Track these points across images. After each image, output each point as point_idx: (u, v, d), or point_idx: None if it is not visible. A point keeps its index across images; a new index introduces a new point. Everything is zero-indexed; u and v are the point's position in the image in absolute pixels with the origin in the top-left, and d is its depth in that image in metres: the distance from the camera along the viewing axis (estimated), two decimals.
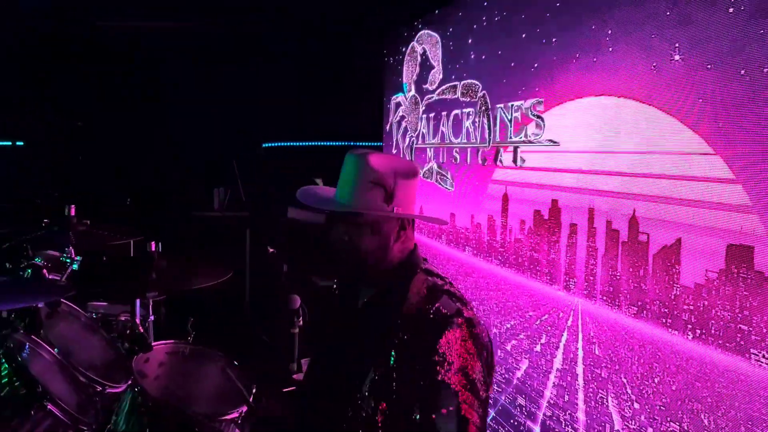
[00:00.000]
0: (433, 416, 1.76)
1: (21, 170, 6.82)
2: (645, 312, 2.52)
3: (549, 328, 3.13)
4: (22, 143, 6.90)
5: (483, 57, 3.78)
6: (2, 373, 1.77)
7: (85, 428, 1.78)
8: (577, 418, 2.91)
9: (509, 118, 3.44)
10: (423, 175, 4.50)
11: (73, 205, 2.95)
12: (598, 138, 2.82)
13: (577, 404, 2.91)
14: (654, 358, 2.47)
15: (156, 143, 7.15)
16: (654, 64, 2.47)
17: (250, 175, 7.31)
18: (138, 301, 3.77)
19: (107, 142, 6.99)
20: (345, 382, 1.98)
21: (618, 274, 2.67)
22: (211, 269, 3.09)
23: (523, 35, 3.36)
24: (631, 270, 2.60)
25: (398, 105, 5.04)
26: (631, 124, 2.62)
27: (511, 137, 3.43)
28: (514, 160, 3.40)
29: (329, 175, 6.65)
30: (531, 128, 3.26)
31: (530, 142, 3.27)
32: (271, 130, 7.73)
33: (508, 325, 3.48)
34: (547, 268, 3.15)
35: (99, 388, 2.13)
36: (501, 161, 3.54)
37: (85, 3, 6.00)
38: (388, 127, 5.29)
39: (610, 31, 2.72)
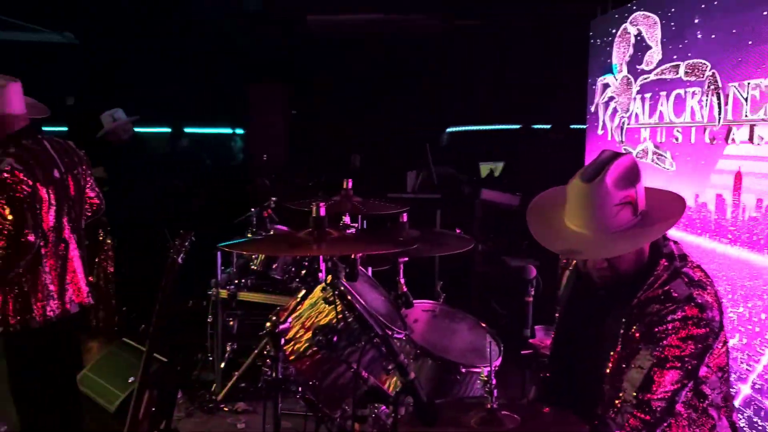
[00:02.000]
0: (648, 396, 1.90)
1: (245, 155, 7.61)
2: None
3: None
4: (242, 131, 7.66)
5: (712, 36, 3.78)
6: (337, 310, 2.14)
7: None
8: None
9: (745, 96, 3.44)
10: (636, 155, 4.55)
11: (350, 179, 3.35)
12: None
13: None
14: None
15: (355, 131, 7.66)
16: None
17: (442, 157, 7.64)
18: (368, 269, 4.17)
19: (317, 129, 7.61)
20: (591, 365, 2.15)
21: None
22: (454, 240, 3.39)
23: (765, 12, 3.33)
24: None
25: (606, 86, 5.10)
26: None
27: (747, 115, 3.43)
28: (751, 138, 3.40)
29: (515, 159, 6.78)
30: None
31: None
32: (462, 114, 8.01)
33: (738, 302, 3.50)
34: None
35: (390, 333, 2.46)
36: (733, 140, 3.54)
37: None
38: (593, 108, 5.36)
39: None
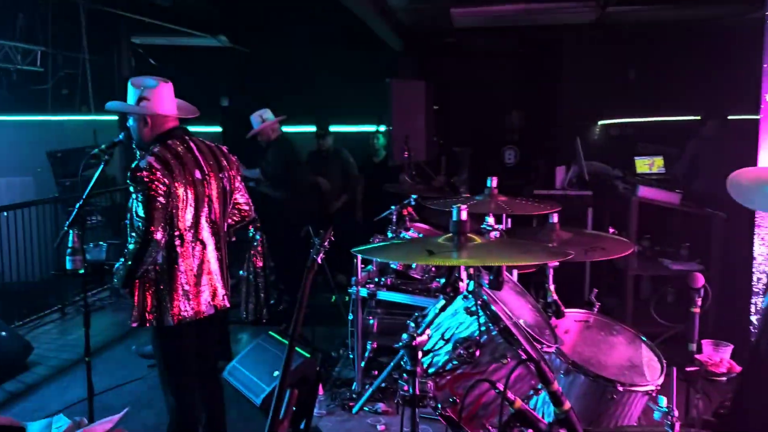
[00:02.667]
0: None
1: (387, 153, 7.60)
2: None
3: None
4: (385, 128, 7.64)
5: None
6: (481, 321, 1.97)
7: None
8: None
9: None
10: None
11: (495, 177, 3.16)
12: None
13: None
14: None
15: (499, 127, 7.42)
16: None
17: (592, 152, 7.20)
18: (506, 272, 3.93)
19: (460, 125, 7.44)
20: None
21: None
22: (609, 242, 3.09)
23: None
24: None
25: None
26: None
27: None
28: None
29: (674, 153, 6.22)
30: None
31: None
32: (612, 106, 7.52)
33: None
34: None
35: (539, 346, 2.25)
36: None
37: None
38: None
39: None
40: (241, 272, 6.56)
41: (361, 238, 6.05)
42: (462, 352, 1.91)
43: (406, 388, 1.83)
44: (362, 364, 4.75)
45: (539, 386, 1.93)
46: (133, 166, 3.04)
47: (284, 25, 8.78)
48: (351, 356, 4.94)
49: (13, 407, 4.77)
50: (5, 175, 11.75)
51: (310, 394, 3.92)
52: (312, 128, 7.84)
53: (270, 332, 5.21)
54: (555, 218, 3.03)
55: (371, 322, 4.98)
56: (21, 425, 1.99)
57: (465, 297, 2.12)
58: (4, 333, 5.57)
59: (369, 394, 4.40)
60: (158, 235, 2.97)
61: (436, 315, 2.13)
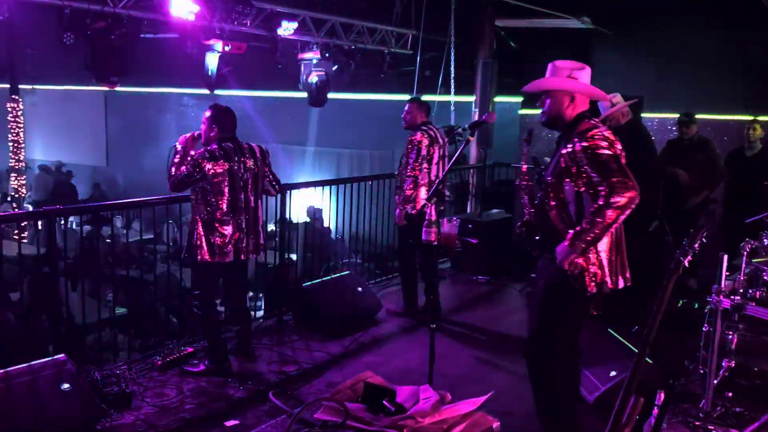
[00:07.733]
0: None
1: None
2: None
3: None
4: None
5: None
6: None
7: None
8: None
9: None
10: None
11: None
12: None
13: None
14: None
15: None
16: None
17: None
18: None
19: None
20: None
21: None
22: None
23: None
24: None
25: None
26: None
27: None
28: None
29: None
30: None
31: None
32: None
33: None
34: None
35: None
36: None
37: None
38: None
39: None
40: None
41: (721, 241, 5.39)
42: None
43: None
44: (715, 381, 4.22)
45: None
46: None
47: (651, 6, 8.25)
48: (702, 372, 4.43)
49: (363, 357, 5.25)
50: (374, 149, 13.29)
51: (653, 403, 3.60)
52: (674, 115, 7.24)
53: (609, 329, 4.93)
54: None
55: (729, 337, 4.40)
56: (392, 389, 2.13)
57: None
58: (360, 289, 6.21)
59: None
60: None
61: None
